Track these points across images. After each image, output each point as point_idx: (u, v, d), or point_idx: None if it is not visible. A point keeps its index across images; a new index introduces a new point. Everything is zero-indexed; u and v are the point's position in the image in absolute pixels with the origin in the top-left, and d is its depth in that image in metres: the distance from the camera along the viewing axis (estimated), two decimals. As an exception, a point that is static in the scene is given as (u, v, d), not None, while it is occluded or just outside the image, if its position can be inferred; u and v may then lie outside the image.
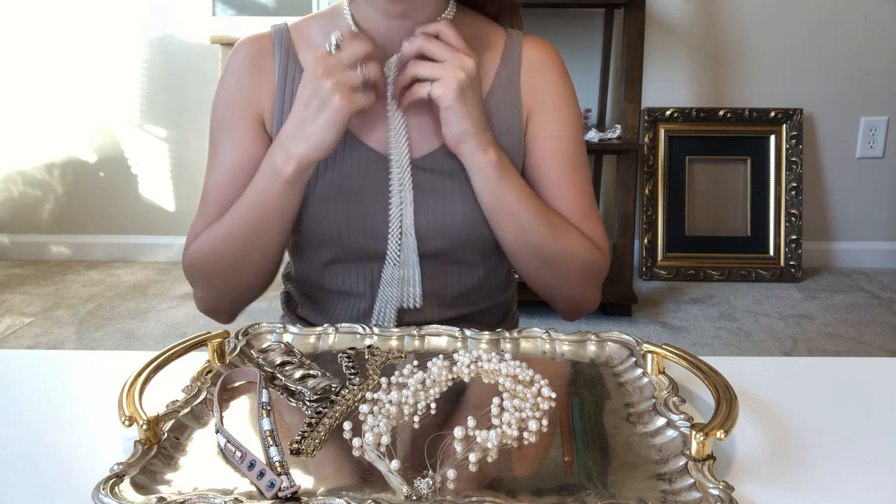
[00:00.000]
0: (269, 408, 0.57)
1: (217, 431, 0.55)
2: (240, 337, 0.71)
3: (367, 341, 0.72)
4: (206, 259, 0.84)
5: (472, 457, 0.52)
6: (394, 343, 0.72)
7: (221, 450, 0.54)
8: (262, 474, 0.49)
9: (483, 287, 0.91)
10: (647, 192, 2.77)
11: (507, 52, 0.86)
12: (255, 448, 0.53)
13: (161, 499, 0.47)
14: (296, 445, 0.54)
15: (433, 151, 0.83)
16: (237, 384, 0.65)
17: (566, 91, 0.87)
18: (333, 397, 0.61)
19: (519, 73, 0.86)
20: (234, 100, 0.84)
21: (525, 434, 0.55)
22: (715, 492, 0.46)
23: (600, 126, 2.69)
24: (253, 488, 0.49)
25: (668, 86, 2.79)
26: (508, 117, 0.85)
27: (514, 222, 0.81)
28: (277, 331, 0.74)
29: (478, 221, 0.83)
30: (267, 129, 0.84)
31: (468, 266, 0.88)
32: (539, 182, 0.86)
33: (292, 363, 0.66)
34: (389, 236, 0.82)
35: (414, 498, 0.48)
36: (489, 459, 0.52)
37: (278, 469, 0.50)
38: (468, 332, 0.72)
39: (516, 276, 0.97)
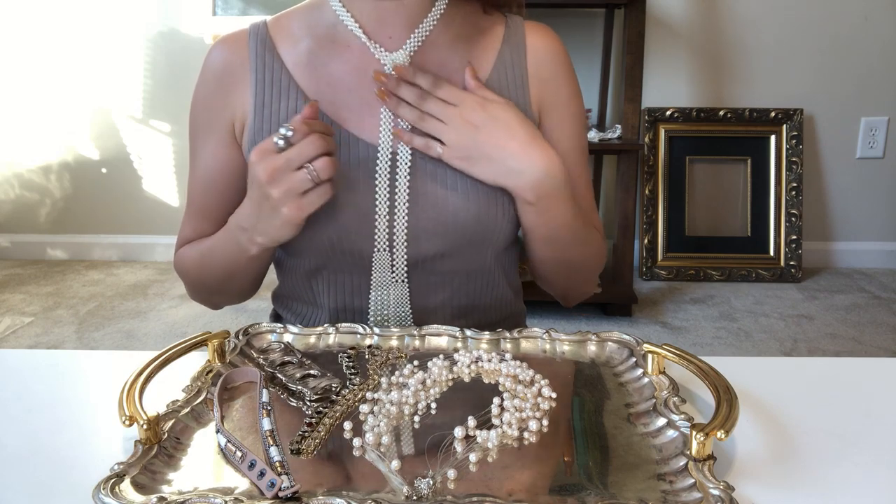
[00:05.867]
0: (269, 408, 0.57)
1: (217, 431, 0.55)
2: (240, 337, 0.71)
3: (368, 341, 0.72)
4: (189, 272, 0.87)
5: (473, 457, 0.52)
6: (394, 343, 0.72)
7: (222, 449, 0.54)
8: (262, 474, 0.49)
9: (488, 305, 0.86)
10: (647, 192, 2.76)
11: (509, 36, 0.82)
12: (256, 448, 0.53)
13: (161, 498, 0.47)
14: (296, 445, 0.54)
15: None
16: (237, 384, 0.65)
17: (575, 87, 0.85)
18: (334, 397, 0.61)
19: (525, 58, 0.82)
20: (206, 109, 0.82)
21: (525, 434, 0.55)
22: (715, 492, 0.46)
23: (600, 126, 2.69)
24: (253, 488, 0.49)
25: (668, 86, 2.79)
26: (515, 101, 0.81)
27: (556, 245, 0.80)
28: (277, 331, 0.73)
29: (483, 215, 0.78)
30: (243, 133, 0.81)
31: (470, 277, 0.83)
32: None
33: (292, 363, 0.66)
34: (376, 235, 0.77)
35: (414, 498, 0.48)
36: (489, 459, 0.52)
37: (278, 469, 0.50)
38: (468, 332, 0.72)
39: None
